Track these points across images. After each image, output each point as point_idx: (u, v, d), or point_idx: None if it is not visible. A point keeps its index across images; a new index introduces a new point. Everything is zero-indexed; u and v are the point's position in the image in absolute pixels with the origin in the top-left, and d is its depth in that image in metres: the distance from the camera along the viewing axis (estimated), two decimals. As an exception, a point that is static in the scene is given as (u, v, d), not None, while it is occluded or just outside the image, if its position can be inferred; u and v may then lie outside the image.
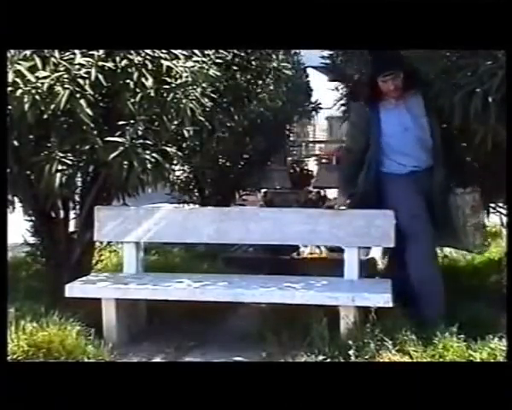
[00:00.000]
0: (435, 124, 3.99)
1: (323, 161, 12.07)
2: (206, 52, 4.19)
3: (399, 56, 3.89)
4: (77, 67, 3.69)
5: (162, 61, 3.91)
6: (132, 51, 3.81)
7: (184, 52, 4.02)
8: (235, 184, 7.00)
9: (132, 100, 3.91)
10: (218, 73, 4.34)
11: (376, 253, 5.54)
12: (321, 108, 7.52)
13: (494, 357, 3.32)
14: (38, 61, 3.64)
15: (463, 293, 4.45)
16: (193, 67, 4.05)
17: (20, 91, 3.58)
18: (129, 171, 3.95)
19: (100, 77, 3.73)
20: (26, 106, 3.59)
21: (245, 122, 5.83)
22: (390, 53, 3.77)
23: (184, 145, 4.68)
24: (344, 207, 4.17)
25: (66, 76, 3.69)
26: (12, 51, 3.53)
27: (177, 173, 6.51)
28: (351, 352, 3.41)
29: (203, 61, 4.12)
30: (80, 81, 3.70)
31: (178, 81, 4.00)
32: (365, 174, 4.07)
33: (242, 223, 4.29)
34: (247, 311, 4.52)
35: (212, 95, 4.40)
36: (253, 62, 5.38)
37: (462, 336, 3.51)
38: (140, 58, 3.83)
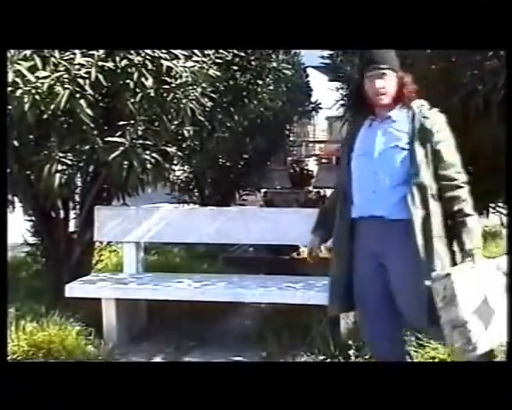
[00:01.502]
0: (425, 159, 2.65)
1: (323, 161, 12.08)
2: (206, 52, 4.19)
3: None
4: (77, 67, 3.70)
5: (162, 61, 3.91)
6: (132, 51, 3.81)
7: (184, 52, 4.02)
8: (235, 184, 7.01)
9: (132, 100, 3.91)
10: (218, 73, 4.34)
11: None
12: (321, 108, 7.52)
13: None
14: (38, 61, 3.65)
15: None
16: (193, 67, 4.05)
17: (20, 91, 3.58)
18: (129, 171, 3.95)
19: (100, 77, 3.73)
20: (26, 106, 3.59)
21: (245, 122, 5.84)
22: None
23: (184, 145, 4.68)
24: (313, 257, 3.05)
25: (66, 76, 3.69)
26: (12, 51, 3.53)
27: (177, 173, 6.51)
28: (351, 352, 3.42)
29: (203, 61, 4.12)
30: (80, 81, 3.71)
31: (178, 81, 4.00)
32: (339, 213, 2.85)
33: (242, 223, 4.29)
34: (247, 311, 4.52)
35: (212, 95, 4.40)
36: (253, 62, 5.39)
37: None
38: (140, 58, 3.83)
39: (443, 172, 2.67)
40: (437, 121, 2.73)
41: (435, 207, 2.65)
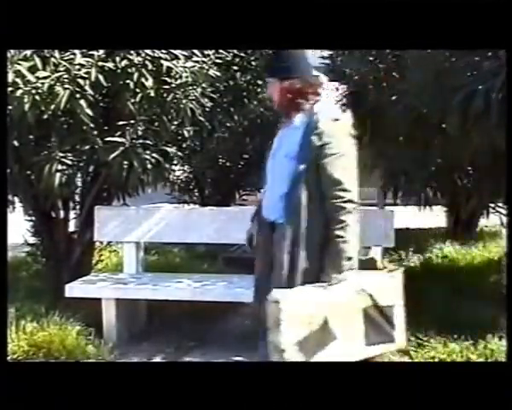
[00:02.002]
0: (305, 171, 2.57)
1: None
2: (206, 52, 4.19)
3: (293, 57, 2.84)
4: (77, 67, 3.70)
5: (162, 62, 3.92)
6: (132, 51, 3.81)
7: (184, 52, 4.03)
8: (235, 184, 7.00)
9: (132, 100, 3.92)
10: (218, 74, 4.34)
11: (376, 253, 5.53)
12: (321, 108, 7.50)
13: (494, 357, 3.32)
14: (38, 61, 3.65)
15: (463, 293, 4.45)
16: (193, 67, 4.05)
17: (20, 91, 3.58)
18: (129, 171, 3.95)
19: (100, 77, 3.74)
20: (26, 106, 3.59)
21: (245, 122, 5.84)
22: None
23: (184, 145, 4.68)
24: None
25: (66, 76, 3.69)
26: (12, 51, 3.53)
27: (177, 173, 6.51)
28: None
29: (203, 61, 4.13)
30: (80, 81, 3.71)
31: (178, 81, 4.01)
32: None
33: (242, 223, 4.28)
34: (247, 311, 4.52)
35: (212, 95, 4.41)
36: (253, 62, 5.39)
37: (462, 336, 3.52)
38: (140, 58, 3.84)
39: (325, 188, 2.56)
40: (328, 133, 2.56)
41: (306, 220, 2.57)
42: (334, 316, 2.47)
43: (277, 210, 2.67)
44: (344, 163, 2.56)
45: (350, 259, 2.53)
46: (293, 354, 2.48)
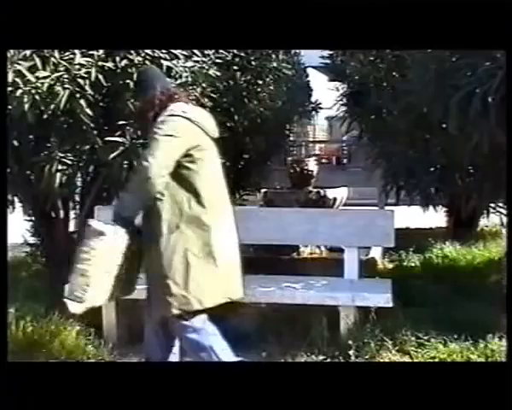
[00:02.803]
0: None
1: (323, 160, 12.08)
2: (206, 52, 4.19)
3: (146, 75, 3.23)
4: (77, 67, 3.70)
5: (162, 61, 3.91)
6: (132, 51, 3.81)
7: (184, 52, 4.02)
8: (235, 184, 6.99)
9: (132, 100, 3.91)
10: (218, 73, 4.34)
11: (376, 253, 5.53)
12: (321, 108, 7.49)
13: (494, 357, 3.32)
14: (38, 61, 3.65)
15: (463, 293, 4.45)
16: (193, 67, 4.05)
17: (20, 91, 3.58)
18: (129, 171, 3.95)
19: (100, 77, 3.74)
20: (26, 106, 3.59)
21: (245, 122, 5.83)
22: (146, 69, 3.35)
23: (184, 145, 4.67)
24: None
25: (66, 76, 3.69)
26: (12, 51, 3.53)
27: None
28: (351, 352, 3.42)
29: (203, 61, 4.12)
30: (80, 81, 3.71)
31: (178, 81, 4.00)
32: None
33: (242, 223, 4.28)
34: (247, 311, 4.51)
35: (212, 95, 4.40)
36: (253, 62, 5.39)
37: (462, 336, 3.52)
38: (140, 58, 3.83)
39: None
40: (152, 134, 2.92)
41: None
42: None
43: None
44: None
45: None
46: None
